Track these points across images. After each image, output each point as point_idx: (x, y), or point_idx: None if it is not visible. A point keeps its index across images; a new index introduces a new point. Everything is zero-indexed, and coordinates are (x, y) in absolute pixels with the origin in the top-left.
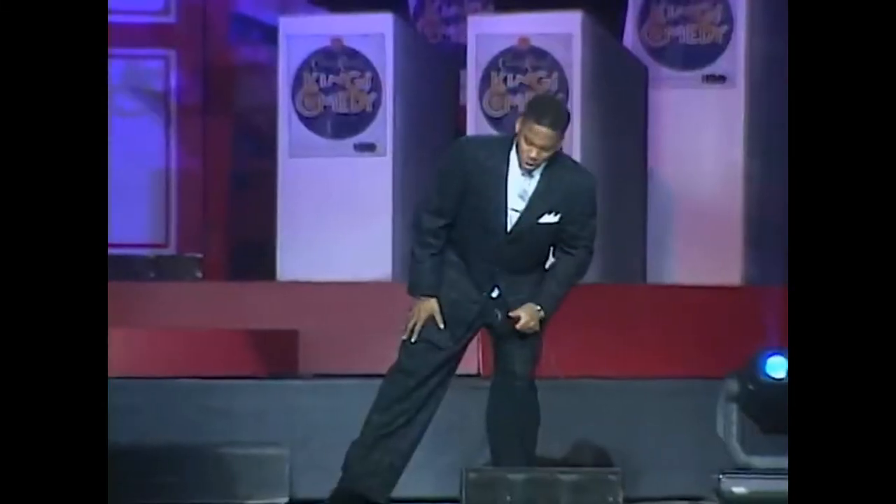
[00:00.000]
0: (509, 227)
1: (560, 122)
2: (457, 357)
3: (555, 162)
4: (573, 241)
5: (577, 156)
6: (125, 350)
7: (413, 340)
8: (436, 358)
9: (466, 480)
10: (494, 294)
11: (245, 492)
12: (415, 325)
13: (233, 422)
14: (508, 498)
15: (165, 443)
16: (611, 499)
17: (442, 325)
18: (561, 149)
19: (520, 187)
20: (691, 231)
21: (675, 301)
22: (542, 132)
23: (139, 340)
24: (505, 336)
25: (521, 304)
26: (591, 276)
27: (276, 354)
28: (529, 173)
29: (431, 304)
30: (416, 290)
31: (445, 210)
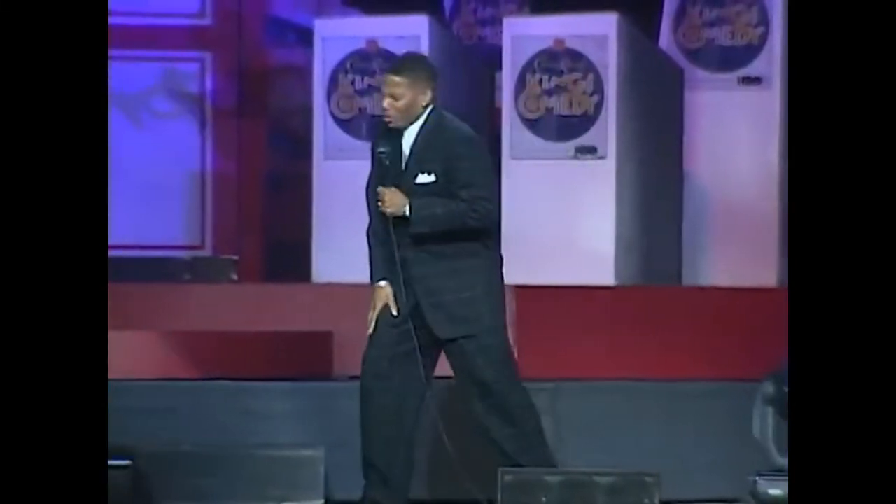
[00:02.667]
0: None
1: (405, 68)
2: (418, 348)
3: (432, 122)
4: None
5: (612, 157)
6: (160, 352)
7: (372, 330)
8: (391, 339)
9: (502, 482)
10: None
11: (280, 493)
12: (372, 315)
13: (268, 423)
14: (544, 499)
15: (201, 444)
16: (647, 501)
17: (395, 312)
18: (435, 107)
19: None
20: (727, 232)
21: (711, 303)
22: (388, 79)
23: (174, 342)
24: (461, 353)
25: (432, 288)
26: (626, 277)
27: (311, 356)
28: (401, 134)
29: (384, 292)
30: (372, 279)
31: (370, 201)
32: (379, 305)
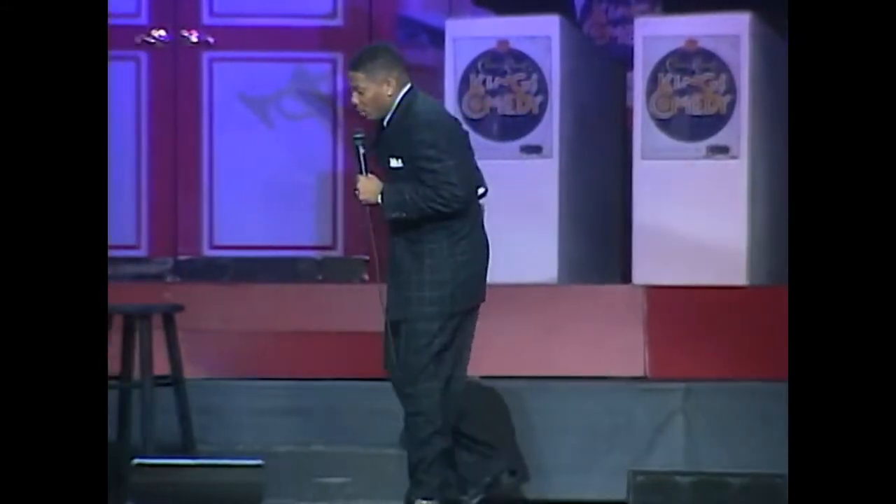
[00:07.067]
0: None
1: (361, 63)
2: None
3: (402, 107)
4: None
5: (744, 157)
6: (292, 352)
7: None
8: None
9: (634, 482)
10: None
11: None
12: None
13: (398, 423)
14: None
15: (332, 444)
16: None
17: None
18: (411, 90)
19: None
20: None
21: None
22: (349, 75)
23: (305, 343)
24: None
25: (395, 269)
26: (758, 277)
27: None
28: (381, 124)
29: None
30: None
31: None
32: None
